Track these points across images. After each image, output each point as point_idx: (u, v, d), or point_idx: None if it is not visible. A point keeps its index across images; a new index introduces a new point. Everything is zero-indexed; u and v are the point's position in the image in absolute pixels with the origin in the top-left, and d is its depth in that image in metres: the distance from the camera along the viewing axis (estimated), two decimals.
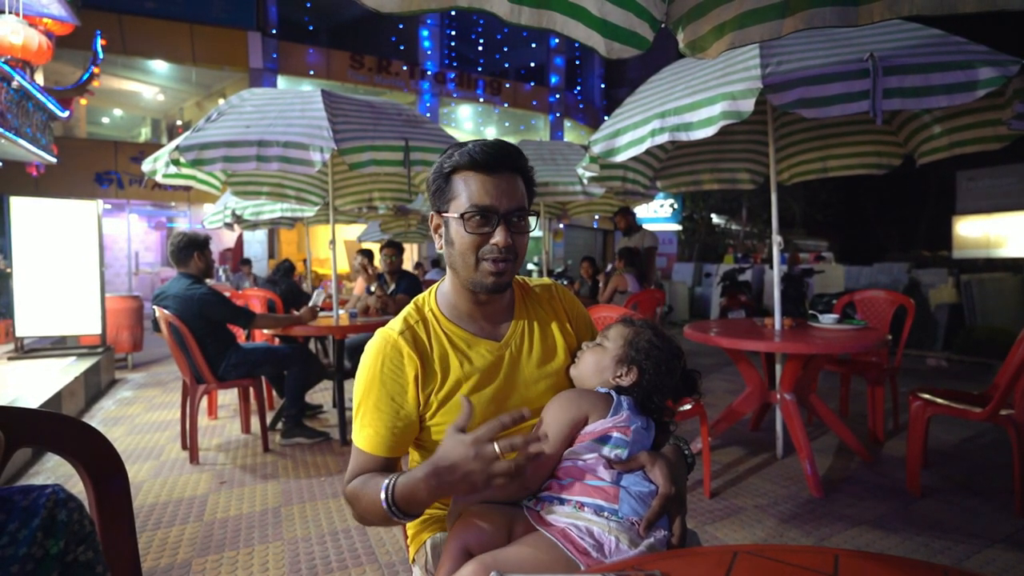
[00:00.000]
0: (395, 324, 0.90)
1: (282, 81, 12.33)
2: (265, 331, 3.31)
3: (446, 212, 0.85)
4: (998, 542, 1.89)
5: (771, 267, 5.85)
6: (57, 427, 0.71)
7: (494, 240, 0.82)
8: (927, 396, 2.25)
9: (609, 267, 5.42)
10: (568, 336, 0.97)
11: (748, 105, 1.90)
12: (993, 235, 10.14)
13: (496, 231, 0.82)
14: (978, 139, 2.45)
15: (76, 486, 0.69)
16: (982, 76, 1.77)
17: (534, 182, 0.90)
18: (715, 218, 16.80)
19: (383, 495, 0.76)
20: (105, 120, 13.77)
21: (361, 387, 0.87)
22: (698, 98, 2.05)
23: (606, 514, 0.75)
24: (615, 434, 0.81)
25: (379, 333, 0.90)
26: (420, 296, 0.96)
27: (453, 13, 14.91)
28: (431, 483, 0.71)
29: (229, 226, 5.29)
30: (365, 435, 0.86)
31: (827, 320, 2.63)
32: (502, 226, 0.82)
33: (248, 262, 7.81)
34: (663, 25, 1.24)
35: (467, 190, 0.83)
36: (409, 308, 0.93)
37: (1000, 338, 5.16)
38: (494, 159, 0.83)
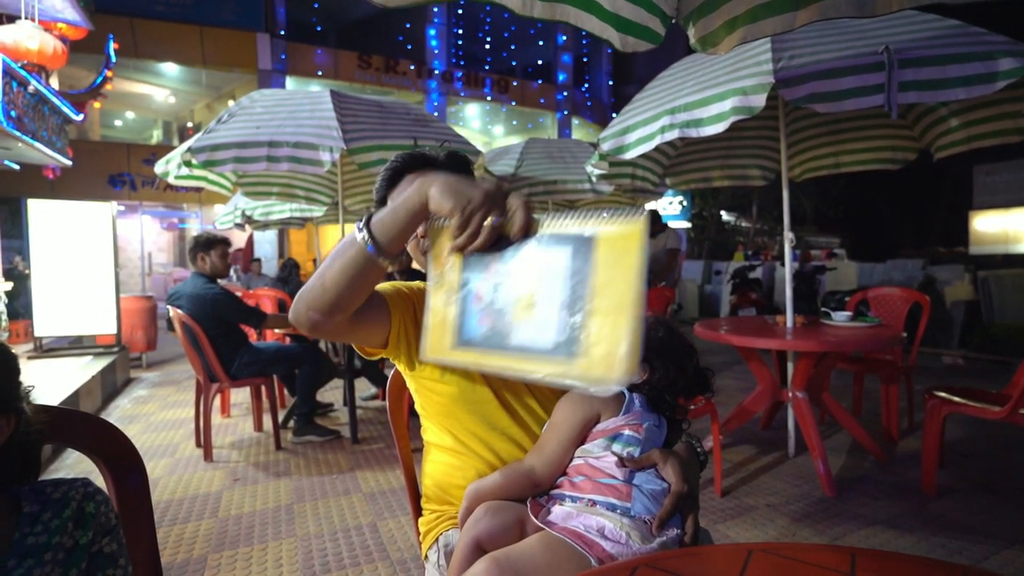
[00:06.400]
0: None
1: (291, 82, 12.42)
2: (276, 330, 3.34)
3: None
4: (1018, 543, 1.85)
5: (782, 264, 5.78)
6: (80, 424, 0.73)
7: (419, 234, 0.88)
8: (943, 394, 2.21)
9: None
10: None
11: (759, 100, 1.88)
12: (1012, 230, 9.92)
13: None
14: (997, 132, 2.40)
15: (96, 482, 0.70)
16: (1002, 67, 1.73)
17: (452, 158, 0.95)
18: (725, 215, 16.64)
19: (358, 226, 0.70)
20: (118, 123, 13.97)
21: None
22: (708, 94, 2.03)
23: (618, 512, 0.75)
24: (627, 432, 0.81)
25: None
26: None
27: (460, 11, 14.89)
28: (426, 181, 0.68)
29: (240, 226, 5.35)
30: None
31: (840, 318, 2.59)
32: None
33: (258, 260, 7.92)
34: (674, 20, 1.23)
35: None
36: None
37: (1019, 336, 5.06)
38: (394, 175, 0.93)
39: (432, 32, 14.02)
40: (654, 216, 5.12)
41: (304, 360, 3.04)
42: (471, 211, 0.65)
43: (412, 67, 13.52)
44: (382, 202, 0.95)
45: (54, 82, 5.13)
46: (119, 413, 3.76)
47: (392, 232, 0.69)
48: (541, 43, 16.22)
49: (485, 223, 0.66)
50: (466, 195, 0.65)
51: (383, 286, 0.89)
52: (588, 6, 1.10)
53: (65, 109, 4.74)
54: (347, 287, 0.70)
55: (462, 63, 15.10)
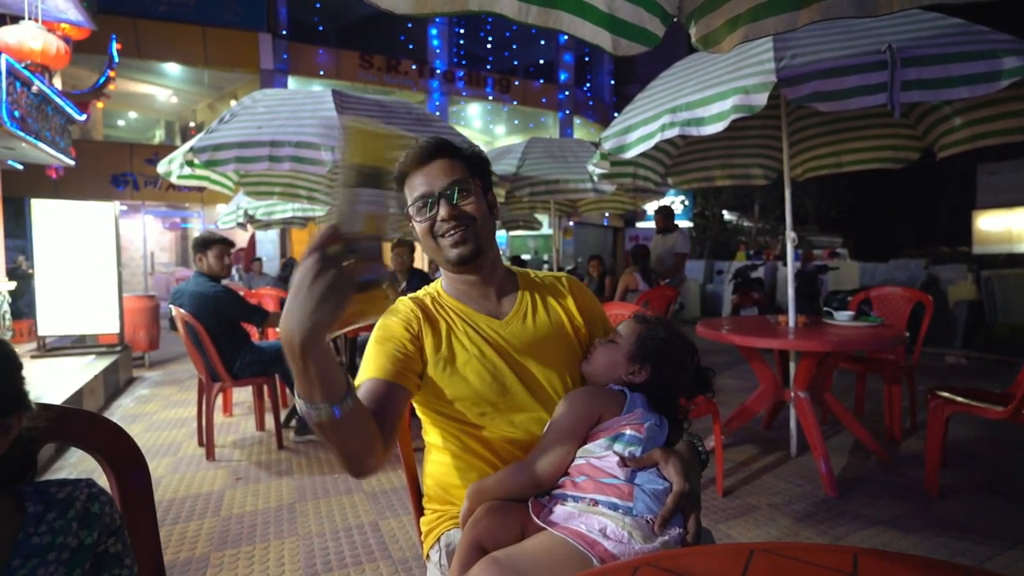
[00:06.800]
0: (406, 296, 0.98)
1: (292, 82, 12.43)
2: (278, 329, 3.34)
3: (408, 213, 0.94)
4: (1021, 543, 1.85)
5: (784, 264, 5.78)
6: (83, 423, 0.73)
7: (439, 217, 0.89)
8: (946, 394, 2.20)
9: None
10: (575, 320, 0.99)
11: (761, 99, 1.88)
12: (1015, 229, 9.87)
13: (439, 209, 0.89)
14: (1000, 131, 2.39)
15: (99, 481, 0.70)
16: (1005, 66, 1.72)
17: (477, 156, 0.95)
18: (727, 215, 16.64)
19: (298, 398, 0.65)
20: (120, 123, 14.01)
21: (368, 343, 0.90)
22: (710, 93, 2.03)
23: (620, 512, 0.75)
24: (628, 431, 0.81)
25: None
26: (430, 284, 1.03)
27: None
28: (282, 340, 0.59)
29: (242, 226, 5.36)
30: (363, 368, 0.86)
31: (842, 317, 2.59)
32: (442, 202, 0.89)
33: (259, 260, 7.97)
34: (675, 19, 1.22)
35: (411, 189, 0.92)
36: (420, 291, 1.01)
37: (1022, 335, 5.04)
38: (423, 154, 0.91)
39: (434, 32, 14.01)
40: (668, 213, 5.12)
41: None
42: (320, 268, 0.57)
43: (414, 67, 13.51)
44: (400, 179, 0.93)
45: (57, 82, 5.14)
46: (122, 412, 3.77)
47: (315, 384, 0.62)
48: (543, 43, 16.19)
49: (337, 249, 0.58)
50: (305, 280, 0.57)
51: (375, 369, 0.84)
52: (582, 10, 1.09)
53: (68, 109, 4.76)
54: (351, 442, 0.69)
55: (464, 63, 15.08)
